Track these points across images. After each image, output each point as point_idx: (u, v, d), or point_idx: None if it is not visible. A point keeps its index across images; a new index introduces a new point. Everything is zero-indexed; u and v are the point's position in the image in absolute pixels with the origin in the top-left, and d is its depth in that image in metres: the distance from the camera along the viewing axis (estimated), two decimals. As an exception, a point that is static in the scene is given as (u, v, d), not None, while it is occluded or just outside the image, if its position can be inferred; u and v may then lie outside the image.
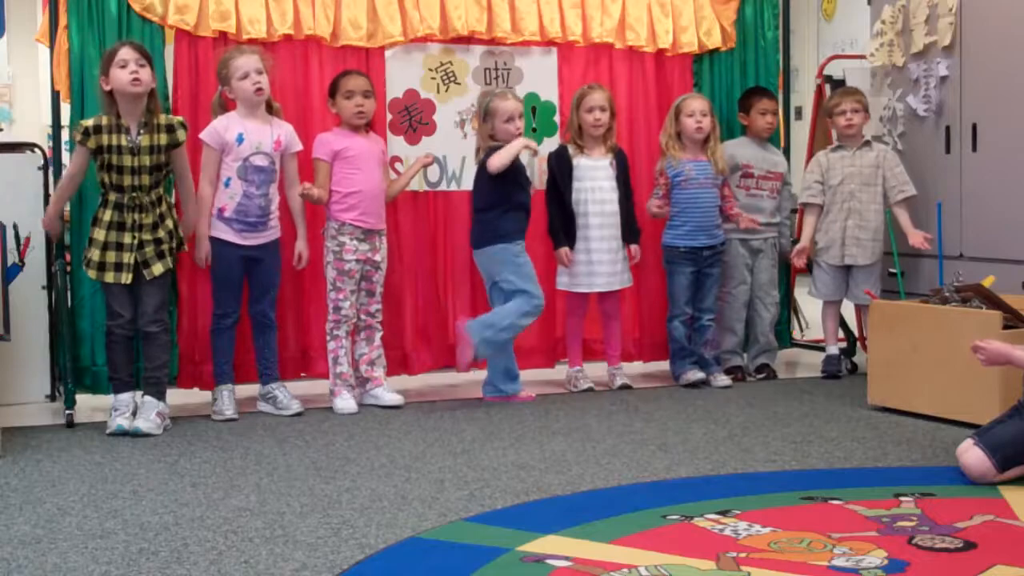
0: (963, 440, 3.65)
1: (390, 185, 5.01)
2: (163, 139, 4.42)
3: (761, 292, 5.58)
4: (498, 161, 4.86)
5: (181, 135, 4.48)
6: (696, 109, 5.27)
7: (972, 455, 3.53)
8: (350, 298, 4.86)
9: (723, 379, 5.31)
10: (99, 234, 4.40)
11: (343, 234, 4.83)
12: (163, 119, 4.46)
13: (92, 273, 4.43)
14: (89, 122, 4.42)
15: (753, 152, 5.54)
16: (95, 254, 4.40)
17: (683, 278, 5.30)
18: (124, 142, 4.37)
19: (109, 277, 4.40)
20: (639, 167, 5.49)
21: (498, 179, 4.90)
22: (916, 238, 5.23)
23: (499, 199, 4.95)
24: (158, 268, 4.44)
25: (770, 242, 5.59)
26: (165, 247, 4.46)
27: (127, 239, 4.39)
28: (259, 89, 4.63)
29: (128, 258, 4.39)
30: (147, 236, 4.42)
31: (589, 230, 5.17)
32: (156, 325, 4.50)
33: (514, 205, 4.97)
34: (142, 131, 4.40)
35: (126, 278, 4.40)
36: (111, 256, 4.40)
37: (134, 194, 4.38)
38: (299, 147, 4.80)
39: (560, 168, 5.19)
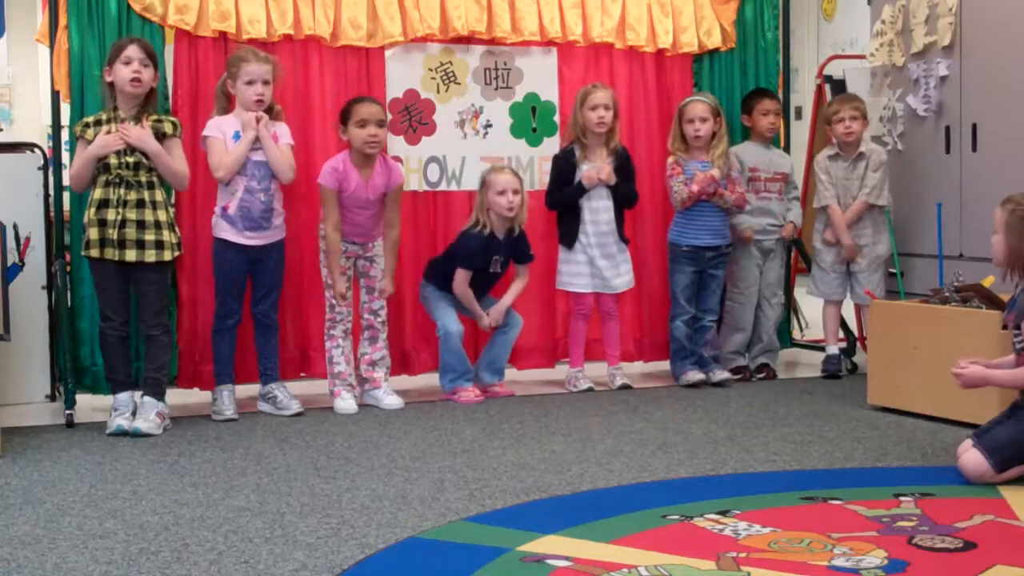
0: (963, 440, 3.66)
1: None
2: (148, 126, 4.44)
3: (768, 292, 5.58)
4: (457, 289, 5.02)
5: (167, 127, 4.48)
6: (696, 115, 5.26)
7: (970, 456, 3.53)
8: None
9: (721, 373, 5.31)
10: (89, 214, 4.42)
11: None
12: (152, 116, 4.49)
13: (83, 251, 4.44)
14: (90, 118, 4.48)
15: (757, 155, 5.54)
16: (87, 232, 4.41)
17: (684, 277, 5.30)
18: (116, 128, 4.41)
19: (93, 253, 4.40)
20: (639, 167, 5.47)
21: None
22: (845, 239, 5.38)
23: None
24: (132, 255, 4.38)
25: (780, 243, 5.59)
26: (151, 237, 4.41)
27: (110, 215, 4.38)
28: (259, 100, 4.64)
29: (111, 234, 4.37)
30: (130, 214, 4.38)
31: (589, 236, 5.17)
32: (157, 328, 4.50)
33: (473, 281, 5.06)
34: (134, 122, 4.44)
35: (109, 254, 4.38)
36: (94, 233, 4.39)
37: (119, 171, 4.38)
38: (291, 141, 4.77)
39: (566, 170, 5.19)
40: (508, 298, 5.11)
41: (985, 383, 3.67)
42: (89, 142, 4.40)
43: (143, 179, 4.42)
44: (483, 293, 5.12)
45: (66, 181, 4.89)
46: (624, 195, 5.26)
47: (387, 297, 4.96)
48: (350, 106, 4.85)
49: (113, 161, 4.39)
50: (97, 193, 4.41)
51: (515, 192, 5.00)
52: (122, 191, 4.39)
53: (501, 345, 5.14)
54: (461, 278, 5.00)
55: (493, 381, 5.14)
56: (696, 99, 5.35)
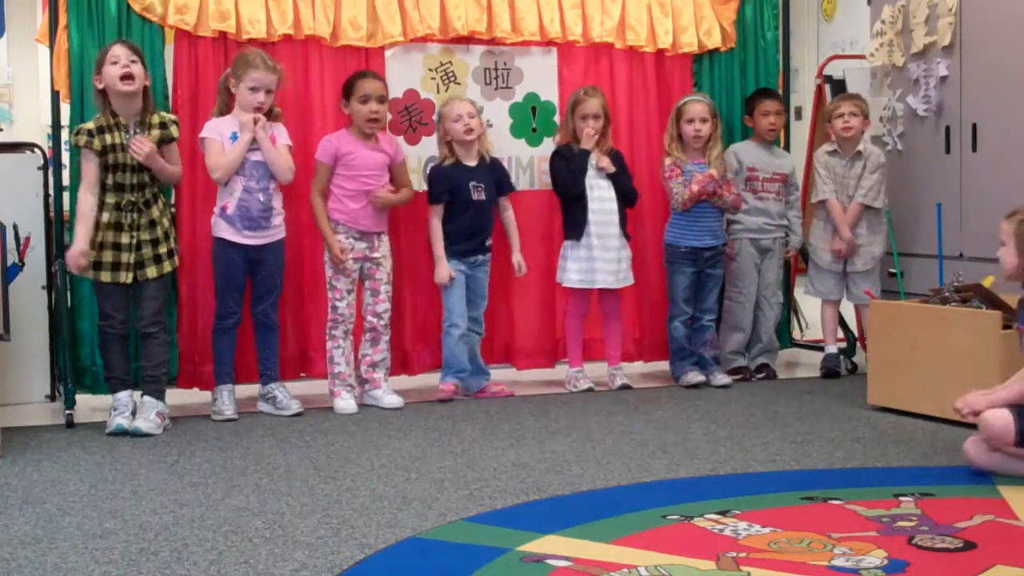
0: (965, 439, 3.66)
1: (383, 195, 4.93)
2: (156, 135, 4.43)
3: (767, 292, 5.57)
4: (429, 225, 5.02)
5: (174, 131, 4.49)
6: (696, 115, 5.24)
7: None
8: (347, 297, 4.87)
9: (722, 378, 5.31)
10: (100, 236, 4.39)
11: (338, 232, 4.84)
12: (156, 117, 4.48)
13: (90, 273, 4.43)
14: (89, 125, 4.43)
15: (757, 155, 5.53)
16: (99, 254, 4.40)
17: (683, 278, 5.30)
18: (124, 140, 4.39)
19: (106, 277, 4.40)
20: (639, 167, 5.49)
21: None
22: (838, 243, 5.40)
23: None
24: (153, 271, 4.43)
25: (778, 242, 5.58)
26: (163, 249, 4.46)
27: (124, 239, 4.39)
28: (259, 107, 4.65)
29: (127, 258, 4.39)
30: (145, 236, 4.42)
31: (591, 227, 5.17)
32: (155, 326, 4.50)
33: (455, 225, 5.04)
34: (138, 129, 4.42)
35: (125, 278, 4.40)
36: (108, 256, 4.39)
37: (131, 196, 4.39)
38: (289, 142, 4.78)
39: (567, 164, 5.18)
40: (514, 241, 5.15)
41: (992, 405, 3.61)
42: (98, 151, 4.36)
43: (149, 196, 4.44)
44: (484, 235, 5.05)
45: (66, 181, 4.90)
46: (625, 190, 5.26)
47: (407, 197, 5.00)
48: (353, 80, 4.88)
49: (128, 180, 4.38)
50: (107, 216, 4.39)
51: (471, 116, 5.01)
52: (134, 215, 4.41)
53: (467, 346, 5.13)
54: (431, 213, 5.01)
55: (482, 383, 5.14)
56: (695, 99, 5.34)
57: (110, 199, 4.40)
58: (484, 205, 5.05)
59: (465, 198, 5.00)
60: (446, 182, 5.00)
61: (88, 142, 4.37)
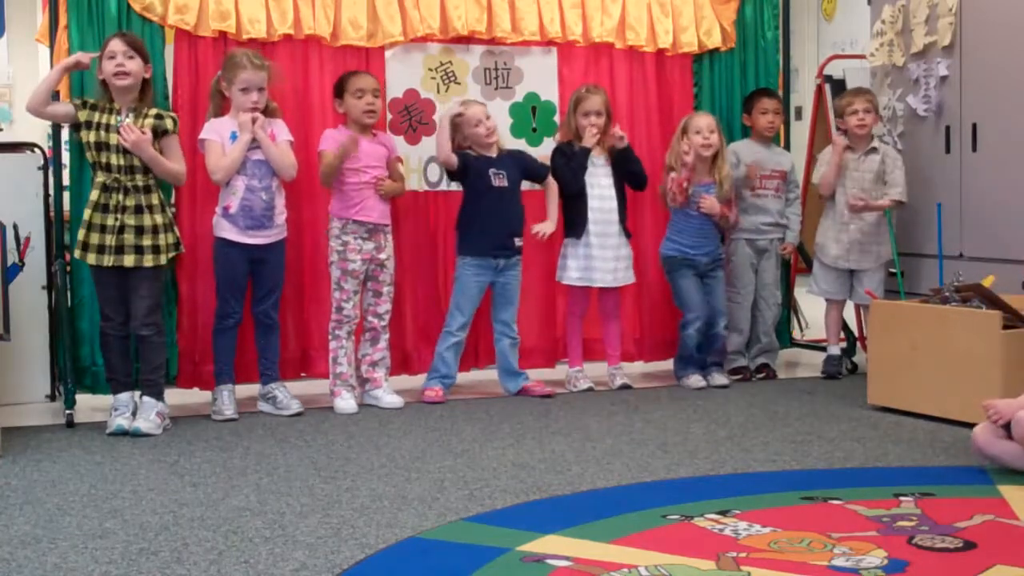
0: (965, 439, 3.66)
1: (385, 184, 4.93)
2: (149, 122, 4.43)
3: (765, 292, 5.57)
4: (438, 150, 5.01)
5: (168, 123, 4.49)
6: (703, 126, 5.22)
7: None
8: (353, 298, 4.87)
9: (720, 378, 5.31)
10: (86, 214, 4.43)
11: (347, 233, 4.84)
12: (154, 110, 4.49)
13: (77, 253, 4.45)
14: (90, 99, 4.50)
15: (756, 153, 5.53)
16: (81, 234, 4.43)
17: (687, 281, 5.25)
18: (112, 120, 4.41)
19: (91, 259, 4.40)
20: (639, 167, 5.50)
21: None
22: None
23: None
24: (131, 260, 4.38)
25: (775, 242, 5.58)
26: (148, 242, 4.41)
27: (109, 220, 4.39)
28: (254, 107, 4.64)
29: (109, 240, 4.38)
30: (129, 220, 4.39)
31: (590, 225, 5.16)
32: (148, 328, 4.47)
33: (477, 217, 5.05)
34: (131, 115, 4.44)
35: (108, 261, 4.38)
36: (94, 238, 4.40)
37: (118, 175, 4.39)
38: (290, 137, 4.78)
39: (568, 161, 5.18)
40: (552, 210, 5.15)
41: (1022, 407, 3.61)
42: (83, 120, 4.40)
43: (140, 183, 4.43)
44: (508, 227, 5.04)
45: (66, 181, 4.89)
46: (635, 174, 5.26)
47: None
48: (345, 78, 4.89)
49: (114, 161, 4.39)
50: (95, 195, 4.41)
51: (488, 117, 5.05)
52: (120, 196, 4.40)
53: (500, 354, 5.14)
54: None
55: (519, 384, 5.11)
56: (700, 113, 5.34)
57: (99, 178, 4.42)
58: (506, 193, 5.03)
59: (485, 184, 4.99)
60: (468, 164, 5.01)
61: (76, 105, 4.47)
